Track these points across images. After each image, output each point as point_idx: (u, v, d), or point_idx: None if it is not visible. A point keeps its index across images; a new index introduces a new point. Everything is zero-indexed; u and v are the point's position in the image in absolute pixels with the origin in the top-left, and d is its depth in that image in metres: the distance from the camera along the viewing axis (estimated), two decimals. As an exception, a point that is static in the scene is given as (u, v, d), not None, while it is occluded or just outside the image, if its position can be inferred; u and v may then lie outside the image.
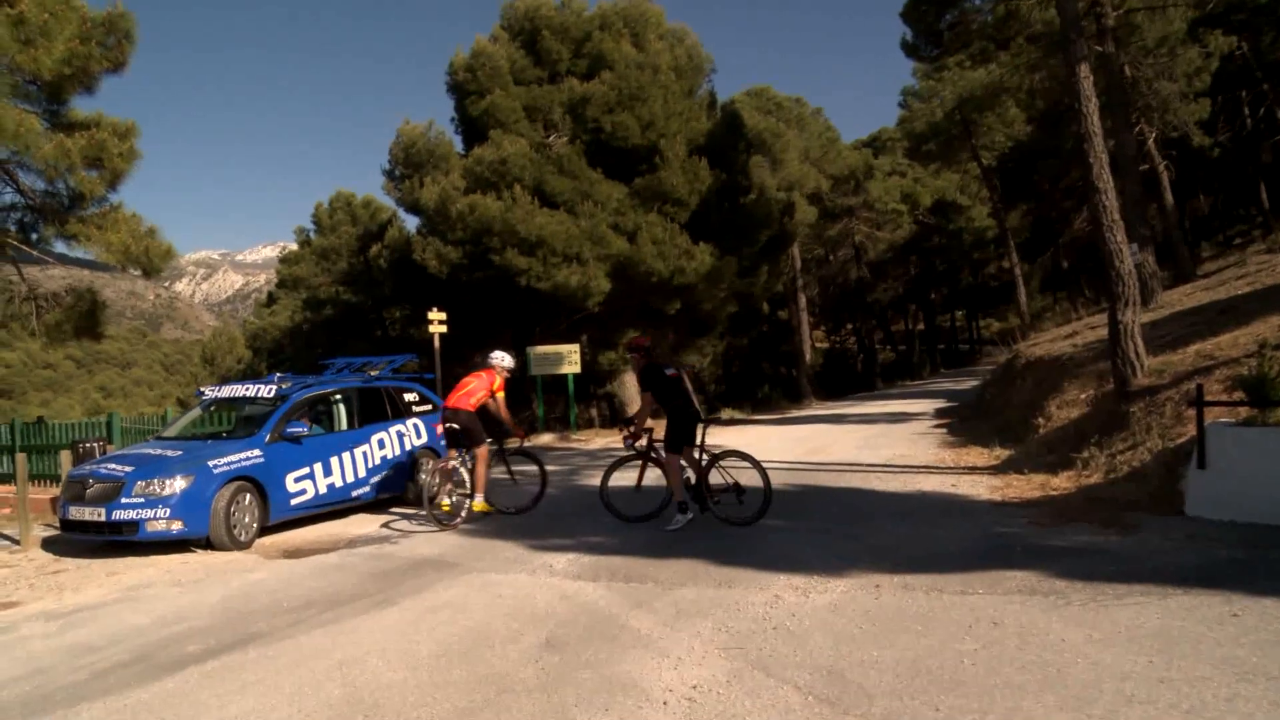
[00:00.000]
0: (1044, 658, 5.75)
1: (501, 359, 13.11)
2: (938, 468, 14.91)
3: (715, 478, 11.26)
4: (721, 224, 26.81)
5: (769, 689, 5.56)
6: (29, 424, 18.54)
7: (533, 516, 12.25)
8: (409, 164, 27.86)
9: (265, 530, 11.95)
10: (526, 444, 13.40)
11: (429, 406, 14.74)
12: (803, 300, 47.84)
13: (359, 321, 34.23)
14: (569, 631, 6.97)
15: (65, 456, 13.69)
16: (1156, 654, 5.67)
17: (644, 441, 11.39)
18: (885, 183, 51.63)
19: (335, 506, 12.93)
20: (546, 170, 25.23)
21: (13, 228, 17.34)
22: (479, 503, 12.07)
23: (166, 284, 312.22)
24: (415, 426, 14.25)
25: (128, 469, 11.22)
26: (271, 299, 43.27)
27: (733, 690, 5.59)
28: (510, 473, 13.30)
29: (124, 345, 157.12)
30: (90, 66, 15.60)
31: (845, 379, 54.59)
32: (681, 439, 11.12)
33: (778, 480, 14.62)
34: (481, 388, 12.66)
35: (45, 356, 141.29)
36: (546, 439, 25.06)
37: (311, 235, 38.26)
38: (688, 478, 11.21)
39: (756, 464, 11.17)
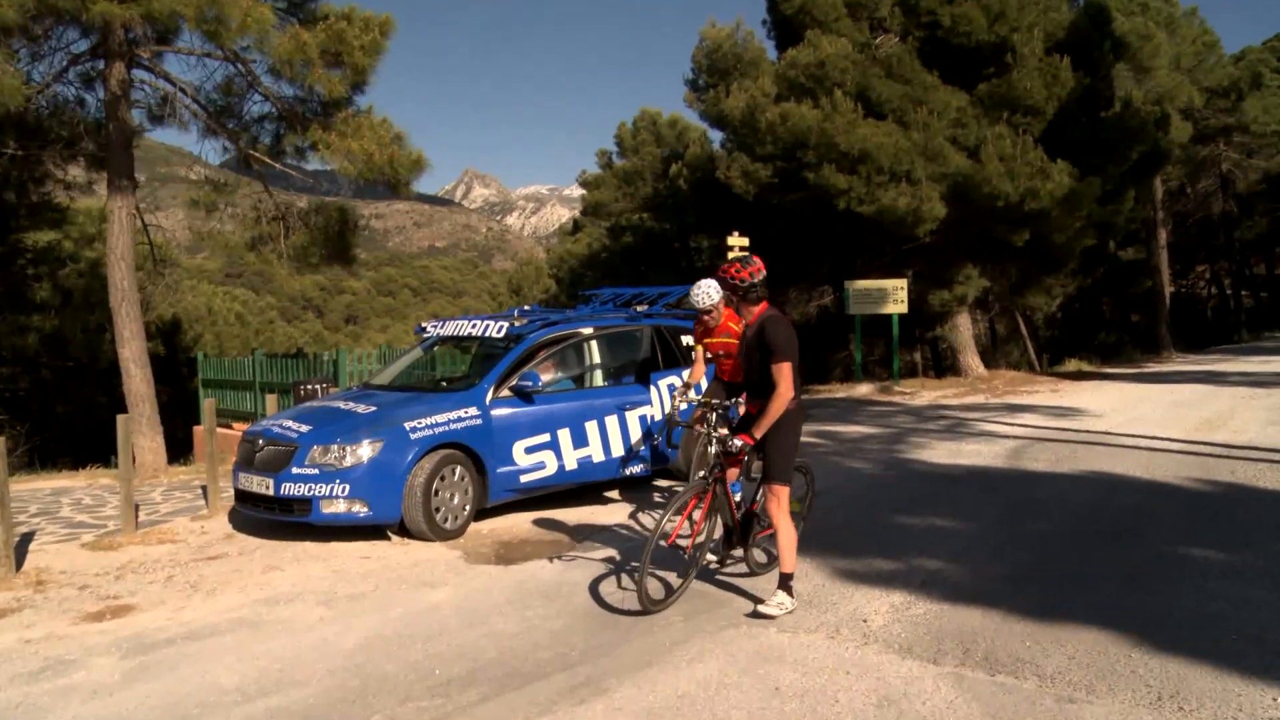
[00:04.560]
0: None
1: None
2: None
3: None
4: (1082, 139, 22.08)
5: None
6: (273, 357, 16.67)
7: (842, 515, 8.83)
8: (713, 71, 24.54)
9: (484, 512, 9.17)
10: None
11: (712, 353, 11.48)
12: (1163, 236, 41.63)
13: (662, 250, 31.64)
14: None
15: (272, 401, 11.43)
16: None
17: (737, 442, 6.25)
18: (1265, 100, 43.98)
19: (591, 484, 9.97)
20: (871, 74, 21.32)
21: (266, 140, 15.40)
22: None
23: (499, 218, 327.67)
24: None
25: (304, 429, 8.63)
26: (576, 226, 41.45)
27: None
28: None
29: (456, 275, 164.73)
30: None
31: (1197, 327, 47.75)
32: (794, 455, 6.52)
33: (1172, 470, 10.63)
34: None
35: (387, 285, 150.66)
36: (864, 390, 21.46)
37: (614, 158, 35.85)
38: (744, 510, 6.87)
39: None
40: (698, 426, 7.25)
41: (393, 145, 13.87)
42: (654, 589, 6.32)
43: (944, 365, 30.45)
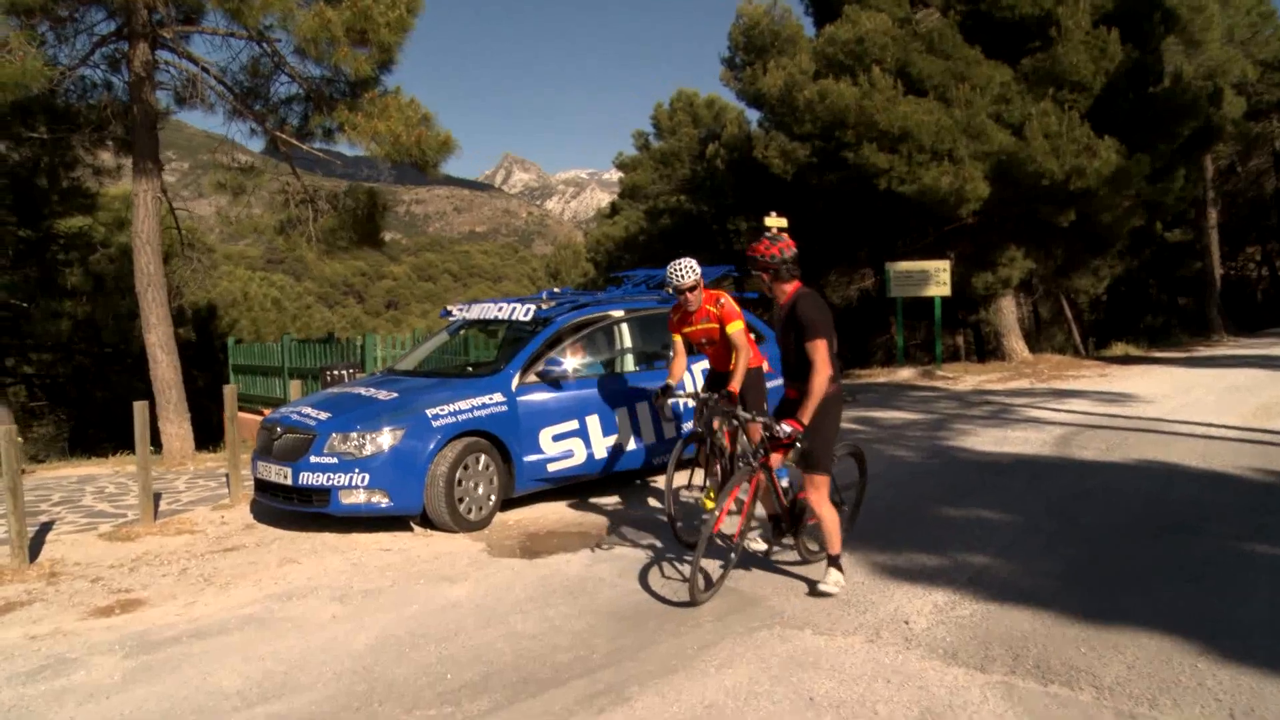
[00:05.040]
0: None
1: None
2: None
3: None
4: (1130, 115, 21.40)
5: None
6: (304, 342, 16.40)
7: (883, 506, 8.45)
8: (750, 49, 24.07)
9: (511, 502, 8.87)
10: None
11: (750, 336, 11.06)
12: (1213, 216, 40.63)
13: (699, 233, 31.06)
14: None
15: (295, 386, 11.18)
16: None
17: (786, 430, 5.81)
18: (1324, 72, 42.59)
19: (622, 473, 9.60)
20: (912, 49, 20.76)
21: (294, 122, 15.12)
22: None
23: (539, 203, 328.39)
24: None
25: (323, 416, 8.35)
26: (614, 209, 40.93)
27: None
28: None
29: (496, 260, 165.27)
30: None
31: (1247, 310, 46.61)
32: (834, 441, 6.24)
33: (1231, 459, 10.14)
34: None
35: (428, 270, 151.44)
36: (905, 374, 20.99)
37: (651, 140, 35.31)
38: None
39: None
40: (713, 425, 7.02)
41: (420, 126, 13.54)
42: (701, 581, 6.01)
43: (986, 349, 29.88)
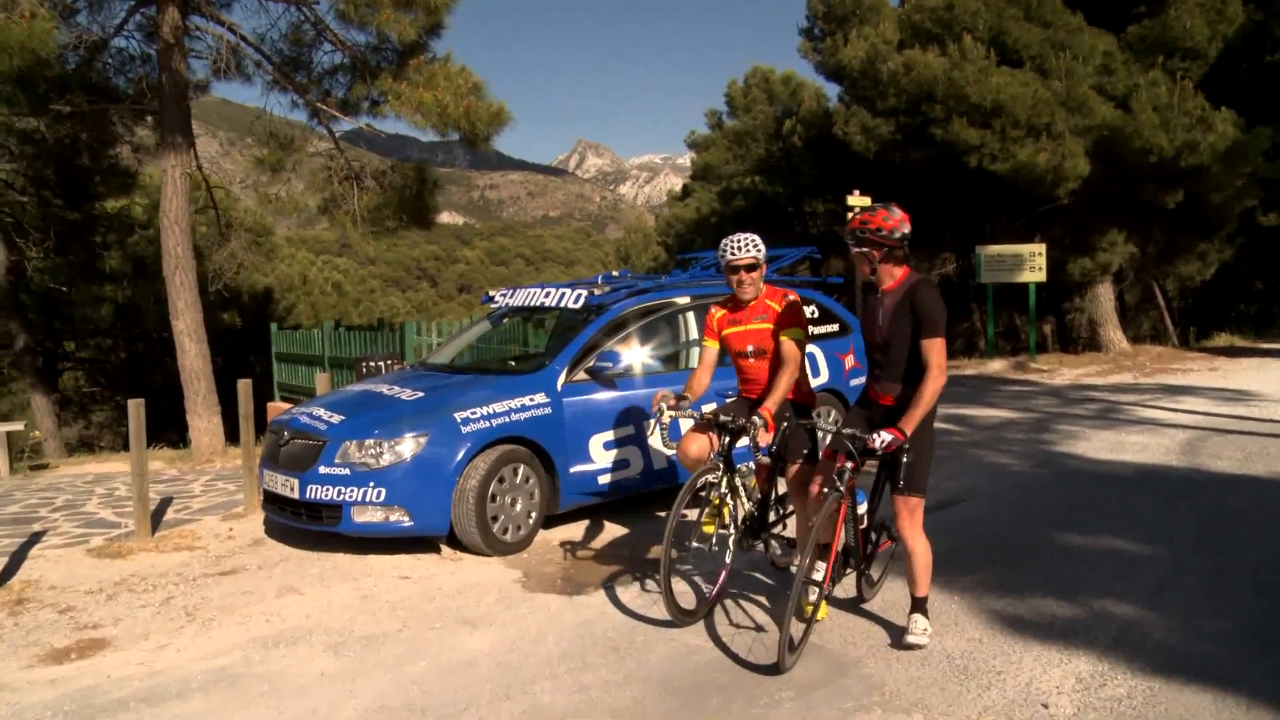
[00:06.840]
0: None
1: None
2: None
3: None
4: (1248, 84, 19.69)
5: None
6: (350, 329, 15.36)
7: (990, 531, 7.12)
8: (830, 18, 22.68)
9: (556, 518, 7.67)
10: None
11: (834, 327, 9.71)
12: (1321, 197, 38.33)
13: (774, 215, 29.70)
14: None
15: (322, 380, 10.07)
16: None
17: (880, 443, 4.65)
18: None
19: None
20: (1007, 16, 19.22)
21: (338, 94, 14.06)
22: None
23: (612, 187, 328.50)
24: (810, 357, 9.13)
25: (335, 419, 7.20)
26: (686, 191, 39.62)
27: None
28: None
29: (569, 245, 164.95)
30: None
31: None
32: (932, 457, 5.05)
33: None
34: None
35: (500, 255, 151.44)
36: (996, 366, 19.47)
37: (724, 118, 33.84)
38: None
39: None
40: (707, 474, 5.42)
41: (470, 96, 12.40)
42: (794, 634, 4.77)
43: (1071, 338, 28.14)
